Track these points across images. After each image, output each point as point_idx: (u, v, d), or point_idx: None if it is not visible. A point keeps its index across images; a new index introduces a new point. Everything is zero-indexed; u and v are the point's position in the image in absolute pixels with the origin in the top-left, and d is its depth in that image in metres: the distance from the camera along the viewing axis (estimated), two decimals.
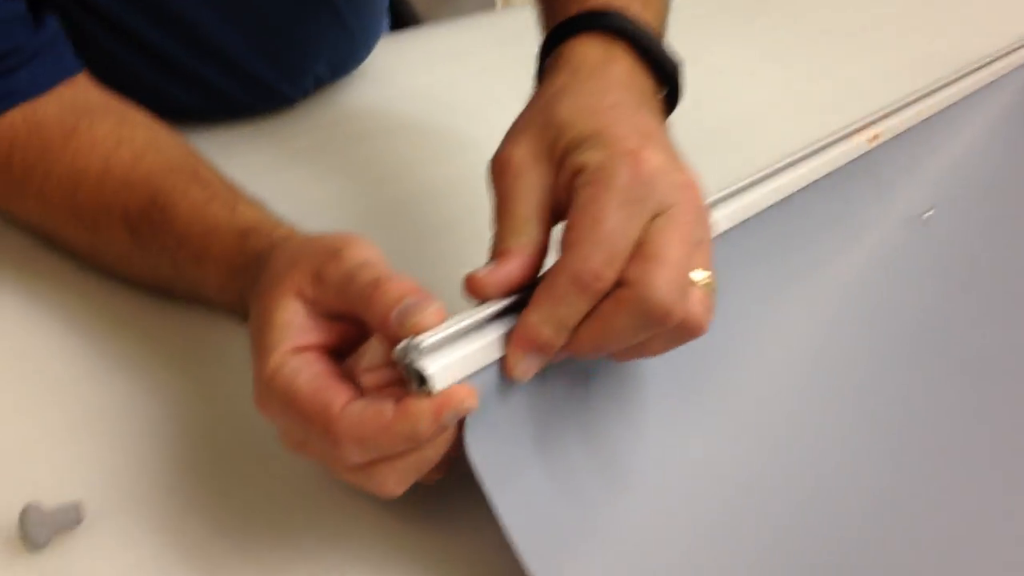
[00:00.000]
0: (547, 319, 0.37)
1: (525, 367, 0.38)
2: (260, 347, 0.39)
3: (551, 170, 0.40)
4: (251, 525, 0.45)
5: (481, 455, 0.38)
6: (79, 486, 0.46)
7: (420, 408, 0.36)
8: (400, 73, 0.83)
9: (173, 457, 0.48)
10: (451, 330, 0.36)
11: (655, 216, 0.38)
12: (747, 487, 0.46)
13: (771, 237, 0.53)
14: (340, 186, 0.68)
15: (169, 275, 0.52)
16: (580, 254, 0.37)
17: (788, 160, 0.54)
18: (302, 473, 0.47)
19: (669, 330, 0.38)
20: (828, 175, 0.57)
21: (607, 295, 0.37)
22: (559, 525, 0.40)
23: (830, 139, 0.58)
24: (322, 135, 0.73)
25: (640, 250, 0.37)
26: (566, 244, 0.38)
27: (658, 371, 0.46)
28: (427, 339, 0.36)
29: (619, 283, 0.37)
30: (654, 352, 0.40)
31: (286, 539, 0.44)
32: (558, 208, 0.40)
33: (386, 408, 0.36)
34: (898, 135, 0.63)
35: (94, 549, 0.43)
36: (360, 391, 0.38)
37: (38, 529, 0.42)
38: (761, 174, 0.51)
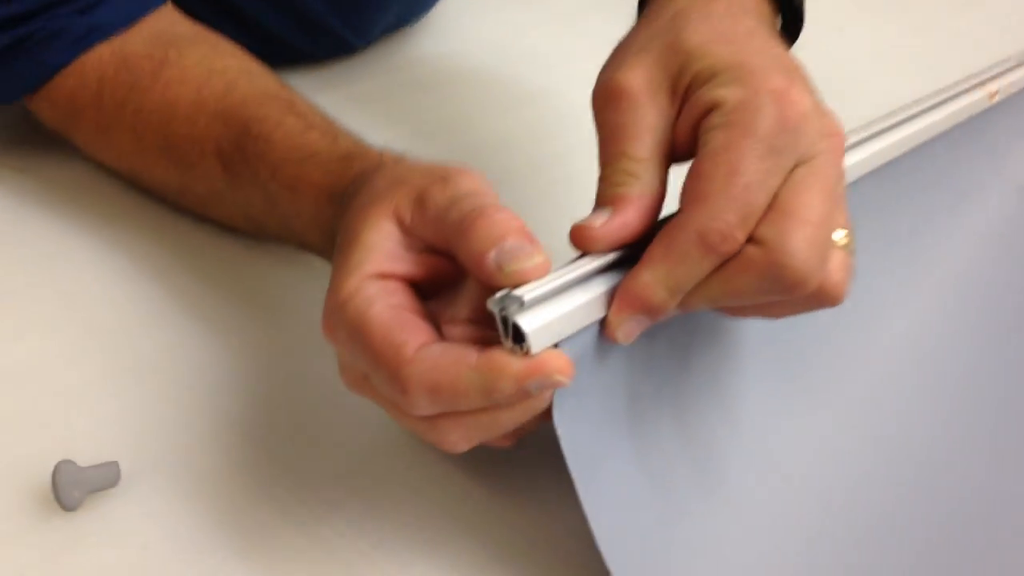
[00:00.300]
0: (662, 280, 0.34)
1: (629, 329, 0.35)
2: (340, 266, 0.36)
3: (673, 104, 0.36)
4: (301, 490, 0.43)
5: (570, 434, 0.35)
6: (119, 442, 0.44)
7: (506, 365, 0.32)
8: (466, 21, 0.81)
9: (220, 413, 0.46)
10: (554, 284, 0.33)
11: (796, 167, 0.34)
12: (849, 500, 0.43)
13: (869, 205, 0.48)
14: (403, 135, 0.66)
15: (261, 210, 0.50)
16: (709, 210, 0.33)
17: (893, 120, 0.49)
18: (360, 436, 0.45)
19: (801, 297, 0.35)
20: (939, 136, 0.52)
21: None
22: (646, 521, 0.38)
23: (944, 95, 0.53)
24: (385, 82, 0.72)
25: (776, 205, 0.34)
26: (692, 196, 0.34)
27: (761, 350, 0.43)
28: (530, 292, 0.32)
29: (749, 240, 0.34)
30: (776, 316, 0.37)
31: (337, 510, 0.42)
32: (676, 149, 0.37)
33: (467, 355, 0.33)
34: (1017, 93, 0.58)
35: (130, 512, 0.41)
36: (440, 336, 0.35)
37: (70, 489, 0.40)
38: (862, 135, 0.46)
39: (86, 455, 0.42)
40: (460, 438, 0.35)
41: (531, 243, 0.34)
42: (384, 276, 0.36)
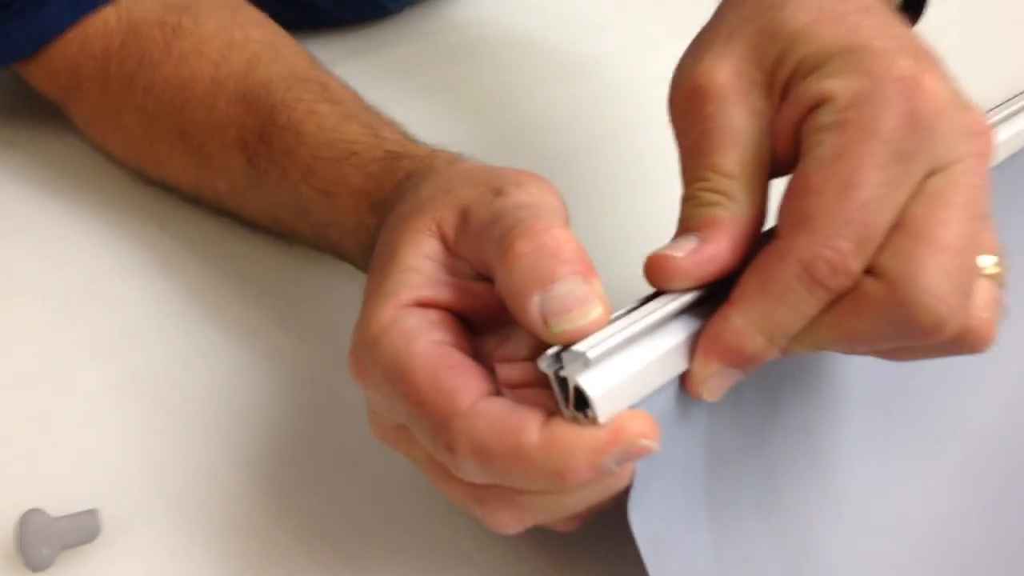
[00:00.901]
0: (757, 324, 0.30)
1: (716, 384, 0.31)
2: (372, 292, 0.33)
3: (770, 102, 0.32)
4: (326, 552, 0.38)
5: (644, 517, 0.30)
6: (100, 483, 0.40)
7: (575, 439, 0.28)
8: None
9: (228, 446, 0.42)
10: (624, 334, 0.29)
11: (929, 176, 0.30)
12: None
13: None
14: (441, 108, 0.63)
15: (292, 213, 0.46)
16: (816, 234, 0.29)
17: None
18: (403, 485, 0.40)
19: (937, 344, 0.30)
20: None
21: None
22: None
23: None
24: (418, 50, 0.69)
25: (904, 226, 0.29)
26: (795, 216, 0.30)
27: (866, 395, 0.38)
28: (595, 346, 0.28)
29: (868, 272, 0.29)
30: (902, 359, 0.33)
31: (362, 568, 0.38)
32: (777, 159, 0.32)
33: (529, 426, 0.28)
34: None
35: (112, 572, 0.37)
36: (497, 382, 0.31)
37: (38, 545, 0.36)
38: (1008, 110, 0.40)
39: (59, 502, 0.38)
40: (511, 519, 0.31)
41: (587, 283, 0.29)
42: (425, 305, 0.32)
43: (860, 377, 0.37)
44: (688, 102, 0.33)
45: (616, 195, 0.53)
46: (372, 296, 0.32)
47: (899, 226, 0.29)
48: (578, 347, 0.28)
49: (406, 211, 0.35)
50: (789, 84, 0.31)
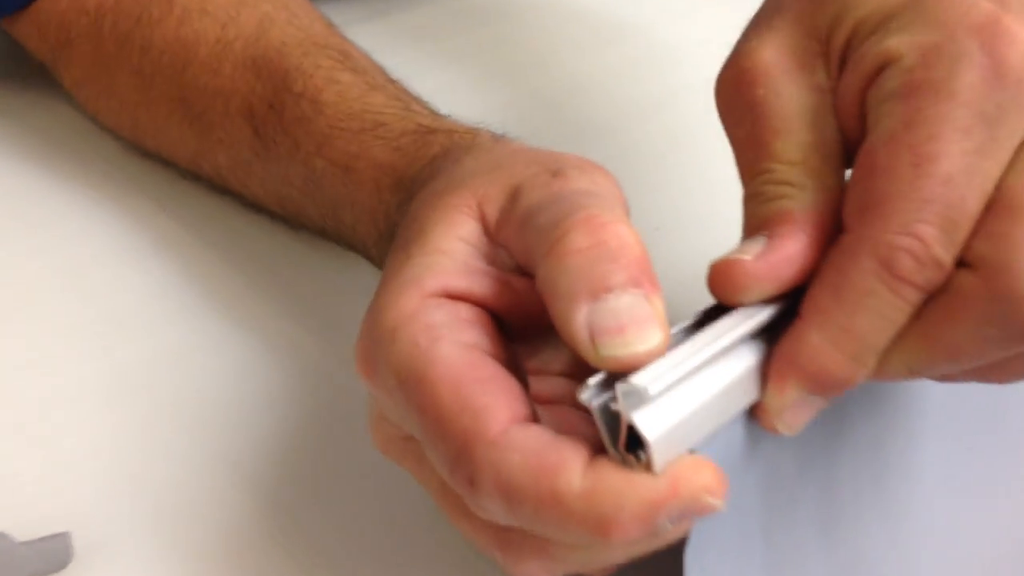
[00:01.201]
0: (838, 339, 0.27)
1: (796, 416, 0.28)
2: (392, 274, 0.29)
3: (830, 74, 0.29)
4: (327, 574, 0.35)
5: (700, 556, 0.27)
6: (74, 503, 0.37)
7: (626, 490, 0.25)
8: None
9: (221, 456, 0.39)
10: (686, 367, 0.25)
11: None
12: None
13: None
14: (464, 77, 0.61)
15: (300, 191, 0.44)
16: (891, 220, 0.26)
17: None
18: (408, 502, 0.37)
19: None
20: None
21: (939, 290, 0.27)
22: None
23: None
24: (439, 12, 0.66)
25: (1000, 204, 0.26)
26: (863, 202, 0.27)
27: (941, 415, 0.35)
28: (656, 379, 0.24)
29: (960, 264, 0.26)
30: (1006, 379, 0.29)
31: None
32: (847, 137, 0.29)
33: (570, 466, 0.25)
34: None
35: None
36: (533, 401, 0.28)
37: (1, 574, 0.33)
38: None
39: (26, 524, 0.35)
40: (539, 569, 0.28)
41: (648, 300, 0.26)
42: (455, 297, 0.29)
43: (938, 391, 0.34)
44: (735, 89, 0.30)
45: (661, 173, 0.51)
46: (391, 279, 0.29)
47: (993, 204, 0.26)
48: (637, 379, 0.25)
49: (441, 187, 0.32)
50: (848, 50, 0.29)
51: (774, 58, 0.29)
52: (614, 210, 0.28)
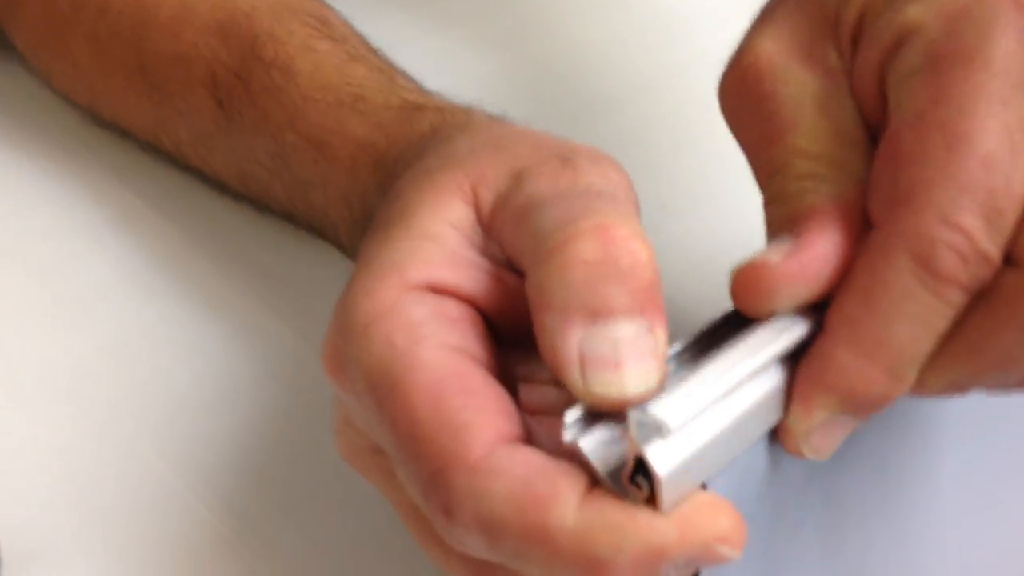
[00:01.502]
0: (872, 351, 0.25)
1: (825, 439, 0.26)
2: (369, 260, 0.28)
3: (842, 57, 0.28)
4: None
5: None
6: (4, 503, 0.36)
7: (627, 530, 0.23)
8: None
9: (172, 459, 0.37)
10: (706, 397, 0.24)
11: None
12: None
13: None
14: (454, 45, 0.58)
15: (267, 168, 0.43)
16: (926, 211, 0.24)
17: None
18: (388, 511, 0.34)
19: None
20: None
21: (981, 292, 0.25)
22: None
23: None
24: None
25: None
26: (890, 195, 0.25)
27: (962, 428, 0.34)
28: (669, 412, 0.23)
29: (1007, 261, 0.25)
30: None
31: None
32: (871, 124, 0.28)
33: (563, 499, 0.23)
34: None
35: None
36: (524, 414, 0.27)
37: None
38: None
39: None
40: None
41: (652, 333, 0.25)
42: (441, 291, 0.27)
43: (958, 401, 0.33)
44: (739, 90, 0.28)
45: (670, 148, 0.49)
46: (367, 265, 0.27)
47: None
48: (655, 408, 0.23)
49: (432, 165, 0.30)
50: (861, 25, 0.27)
51: (777, 48, 0.28)
52: (630, 220, 0.26)
